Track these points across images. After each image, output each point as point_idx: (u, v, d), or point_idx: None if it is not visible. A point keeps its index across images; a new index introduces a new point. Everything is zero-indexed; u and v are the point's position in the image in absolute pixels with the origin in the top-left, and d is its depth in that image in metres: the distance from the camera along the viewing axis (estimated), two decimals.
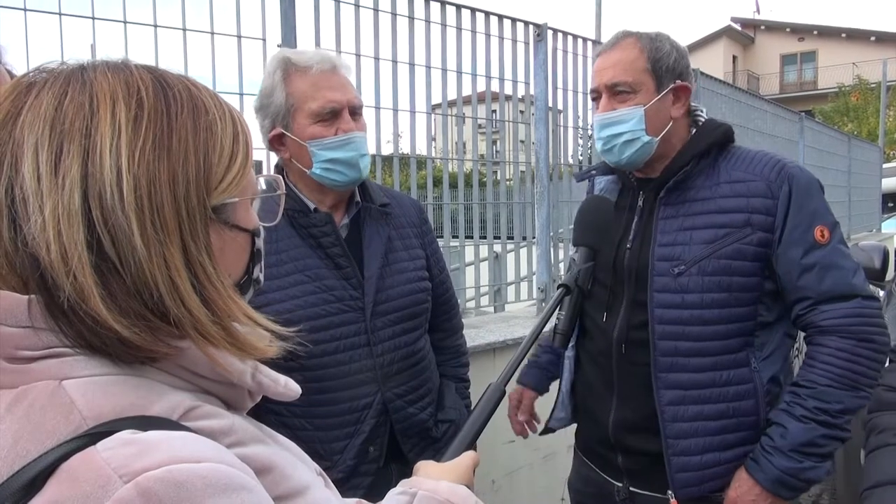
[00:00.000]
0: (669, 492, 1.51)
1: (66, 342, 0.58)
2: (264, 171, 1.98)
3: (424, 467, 0.90)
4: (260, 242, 0.73)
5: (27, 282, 0.58)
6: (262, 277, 0.76)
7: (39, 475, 0.51)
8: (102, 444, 0.52)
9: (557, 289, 1.22)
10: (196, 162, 0.62)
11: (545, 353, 1.89)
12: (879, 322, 1.43)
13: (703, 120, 1.60)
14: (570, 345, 1.73)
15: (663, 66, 1.50)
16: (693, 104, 1.62)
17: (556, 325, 1.19)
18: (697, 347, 1.47)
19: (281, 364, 1.48)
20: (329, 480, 0.88)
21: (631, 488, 1.61)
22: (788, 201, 1.45)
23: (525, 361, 1.16)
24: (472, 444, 0.95)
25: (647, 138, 1.50)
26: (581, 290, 1.20)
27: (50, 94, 0.59)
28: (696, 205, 1.50)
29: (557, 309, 1.22)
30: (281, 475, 0.66)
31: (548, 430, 1.84)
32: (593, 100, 1.59)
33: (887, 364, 1.26)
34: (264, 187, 0.75)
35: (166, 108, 0.62)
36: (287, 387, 0.73)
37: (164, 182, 0.59)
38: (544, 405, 1.86)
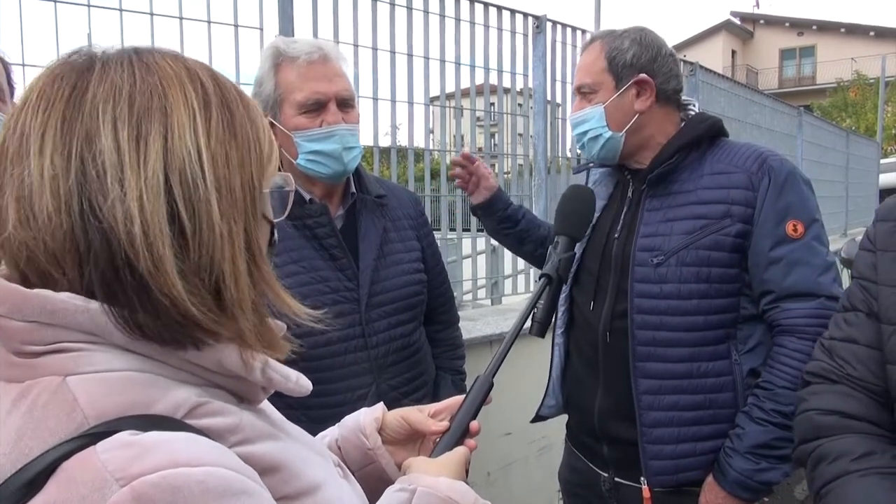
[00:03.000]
0: (642, 478, 1.51)
1: (114, 322, 0.57)
2: None
3: (417, 463, 0.87)
4: (276, 234, 0.74)
5: (82, 256, 0.56)
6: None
7: (40, 474, 0.51)
8: (102, 446, 0.52)
9: (539, 279, 1.23)
10: (255, 148, 0.65)
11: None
12: None
13: (693, 113, 1.62)
14: (560, 332, 1.74)
15: (620, 63, 1.54)
16: (686, 98, 1.64)
17: (533, 313, 1.20)
18: (675, 338, 1.48)
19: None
20: (347, 471, 0.87)
21: (616, 478, 1.62)
22: (766, 193, 1.45)
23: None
24: (462, 439, 0.94)
25: (608, 133, 1.56)
26: (561, 280, 1.21)
27: (117, 73, 0.59)
28: (680, 196, 1.52)
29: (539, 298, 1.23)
30: (290, 474, 0.65)
31: (539, 417, 1.84)
32: None
33: (808, 387, 1.13)
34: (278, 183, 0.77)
35: (224, 95, 0.64)
36: (298, 383, 0.72)
37: (235, 163, 0.62)
38: (535, 395, 1.86)
